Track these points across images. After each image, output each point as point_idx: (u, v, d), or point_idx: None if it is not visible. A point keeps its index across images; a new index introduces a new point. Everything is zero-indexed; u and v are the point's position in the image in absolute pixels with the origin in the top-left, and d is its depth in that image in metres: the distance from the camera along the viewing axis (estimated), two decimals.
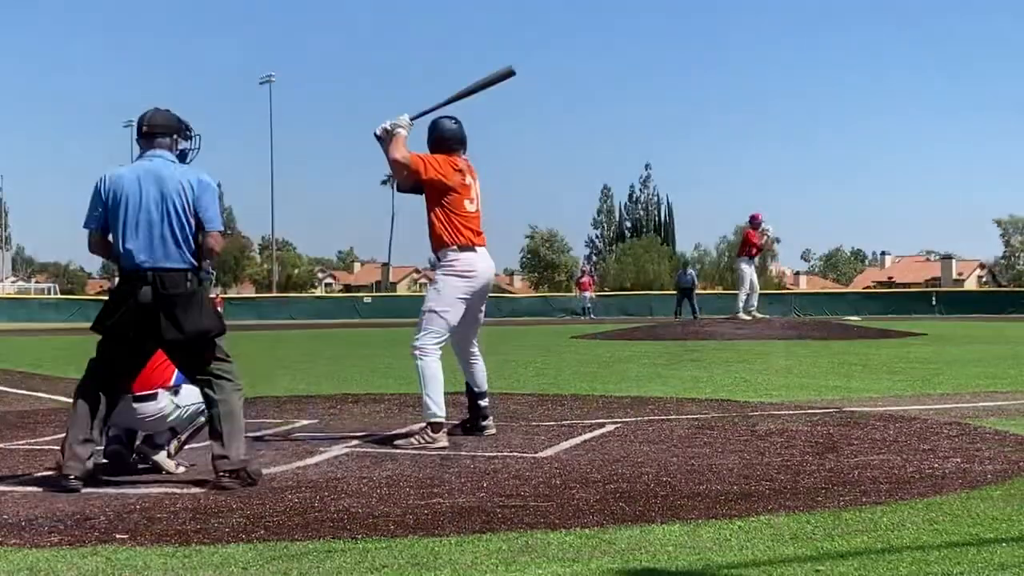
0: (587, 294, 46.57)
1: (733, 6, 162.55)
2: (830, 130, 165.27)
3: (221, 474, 5.70)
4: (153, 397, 6.29)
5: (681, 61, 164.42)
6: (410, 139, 7.47)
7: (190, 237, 5.81)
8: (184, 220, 5.78)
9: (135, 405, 6.19)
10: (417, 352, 7.30)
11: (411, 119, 7.48)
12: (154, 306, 5.68)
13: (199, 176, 5.90)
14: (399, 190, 7.82)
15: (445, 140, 7.56)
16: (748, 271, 23.38)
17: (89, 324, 6.13)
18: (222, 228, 5.95)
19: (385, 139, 7.47)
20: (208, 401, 5.88)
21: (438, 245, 7.45)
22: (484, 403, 7.70)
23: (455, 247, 7.37)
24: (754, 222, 23.59)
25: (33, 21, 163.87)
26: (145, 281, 5.70)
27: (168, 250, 5.74)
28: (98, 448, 5.93)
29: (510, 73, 7.71)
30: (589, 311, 44.70)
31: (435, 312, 7.34)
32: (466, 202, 7.45)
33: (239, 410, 5.87)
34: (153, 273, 5.70)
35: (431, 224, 7.46)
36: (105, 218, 5.86)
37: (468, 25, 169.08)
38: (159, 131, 5.94)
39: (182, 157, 6.04)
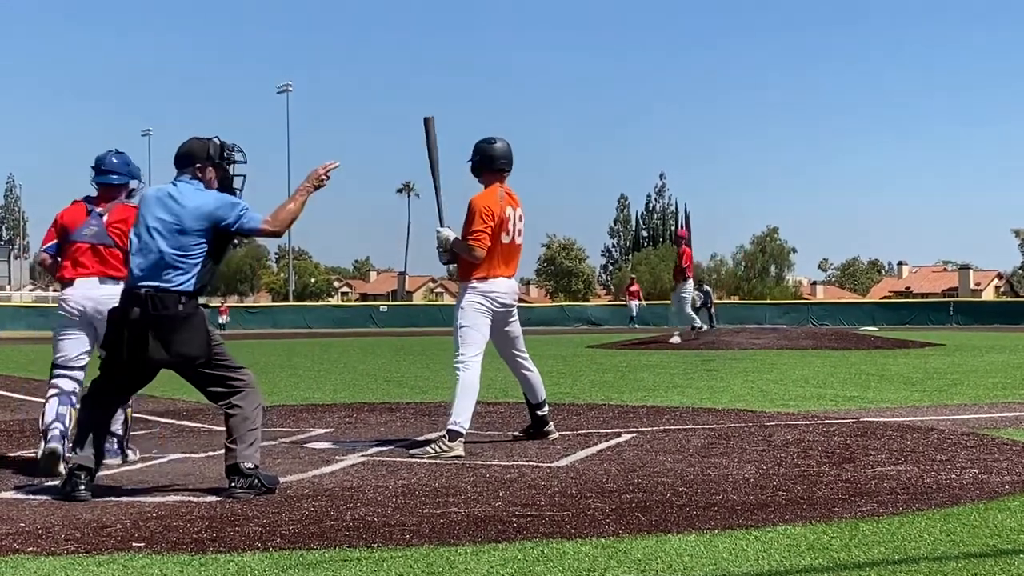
0: (635, 303, 45.82)
1: (751, 17, 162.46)
2: (847, 139, 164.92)
3: (232, 483, 5.73)
4: (118, 281, 6.62)
5: (698, 70, 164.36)
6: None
7: (189, 261, 5.80)
8: (186, 244, 5.79)
9: (110, 286, 6.62)
10: (460, 365, 7.34)
11: (444, 225, 7.53)
12: (143, 325, 5.70)
13: (205, 199, 5.86)
14: (444, 263, 7.86)
15: (495, 160, 7.57)
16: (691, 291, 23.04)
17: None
18: (259, 226, 5.90)
19: (446, 251, 7.53)
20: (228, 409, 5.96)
21: (465, 275, 7.50)
22: (542, 412, 7.86)
23: (480, 276, 7.43)
24: (682, 239, 23.48)
25: (51, 31, 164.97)
26: (138, 300, 5.74)
27: (165, 271, 5.76)
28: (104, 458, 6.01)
29: (429, 121, 7.65)
30: (635, 320, 44.03)
31: (467, 327, 7.41)
32: (502, 235, 7.48)
33: (254, 416, 5.92)
34: (147, 293, 5.74)
35: (462, 259, 7.52)
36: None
37: (485, 33, 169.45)
38: (181, 161, 6.00)
39: (225, 181, 6.03)
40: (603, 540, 4.54)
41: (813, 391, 11.69)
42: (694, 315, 22.97)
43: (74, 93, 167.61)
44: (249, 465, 5.75)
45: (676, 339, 22.33)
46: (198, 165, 5.99)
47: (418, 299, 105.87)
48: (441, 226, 7.56)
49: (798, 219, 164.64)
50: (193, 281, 5.81)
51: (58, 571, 4.18)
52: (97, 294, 6.72)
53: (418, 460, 6.93)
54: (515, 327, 7.74)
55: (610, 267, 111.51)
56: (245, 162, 6.14)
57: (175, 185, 5.96)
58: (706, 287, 39.38)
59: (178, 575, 4.11)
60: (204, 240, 5.83)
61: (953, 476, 6.05)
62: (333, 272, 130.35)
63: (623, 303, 50.18)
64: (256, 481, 5.72)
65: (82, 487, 5.67)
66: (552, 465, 6.66)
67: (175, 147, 6.03)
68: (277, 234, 6.07)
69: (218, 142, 6.04)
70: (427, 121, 7.68)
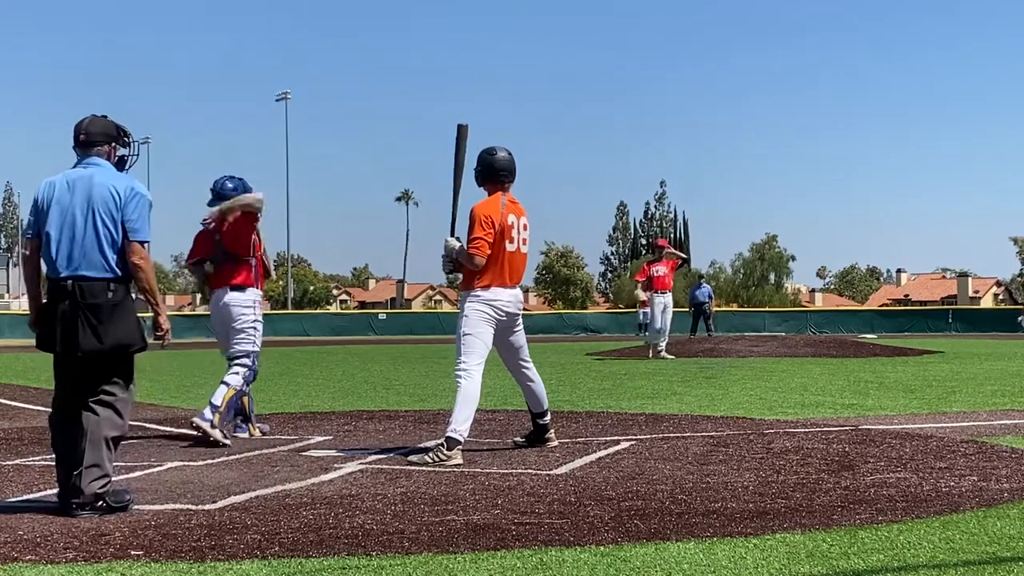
0: (645, 310, 44.90)
1: (752, 25, 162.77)
2: (846, 147, 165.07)
3: (75, 507, 5.45)
4: (242, 289, 8.59)
5: (698, 78, 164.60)
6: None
7: (115, 246, 5.60)
8: (110, 229, 5.58)
9: (230, 293, 8.58)
10: (461, 373, 7.35)
11: (452, 236, 7.57)
12: (72, 316, 5.49)
13: (131, 185, 5.69)
14: (447, 272, 7.82)
15: (497, 171, 7.60)
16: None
17: None
18: (147, 239, 5.68)
19: (450, 261, 7.57)
20: (83, 425, 5.57)
21: (468, 284, 7.51)
22: (543, 421, 7.91)
23: (484, 284, 7.45)
24: (659, 250, 22.42)
25: (51, 36, 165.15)
26: (65, 291, 5.53)
27: (90, 259, 5.55)
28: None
29: (464, 128, 7.62)
30: (644, 327, 43.26)
31: (470, 335, 7.43)
32: (506, 243, 7.49)
33: (100, 440, 5.53)
34: (73, 282, 5.53)
35: (466, 268, 7.51)
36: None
37: (484, 40, 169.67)
38: (96, 139, 5.79)
39: (121, 164, 5.91)
40: (602, 548, 4.54)
41: (812, 399, 11.69)
42: (645, 330, 21.55)
43: (73, 100, 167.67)
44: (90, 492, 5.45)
45: (662, 352, 21.71)
46: (113, 145, 5.87)
47: (417, 307, 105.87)
48: (450, 235, 7.59)
49: (797, 226, 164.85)
50: (119, 268, 5.59)
51: None
52: (226, 299, 8.69)
53: (417, 468, 6.93)
54: (519, 337, 7.74)
55: (609, 275, 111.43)
56: (135, 142, 6.03)
57: (89, 168, 5.73)
58: (705, 285, 39.08)
59: None
60: (122, 226, 5.62)
61: (952, 484, 6.05)
62: (332, 280, 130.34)
63: (622, 310, 50.05)
64: (99, 504, 5.45)
65: (75, 503, 5.58)
66: (551, 473, 6.66)
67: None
68: (138, 268, 5.65)
69: (114, 122, 5.92)
70: (461, 129, 7.65)
